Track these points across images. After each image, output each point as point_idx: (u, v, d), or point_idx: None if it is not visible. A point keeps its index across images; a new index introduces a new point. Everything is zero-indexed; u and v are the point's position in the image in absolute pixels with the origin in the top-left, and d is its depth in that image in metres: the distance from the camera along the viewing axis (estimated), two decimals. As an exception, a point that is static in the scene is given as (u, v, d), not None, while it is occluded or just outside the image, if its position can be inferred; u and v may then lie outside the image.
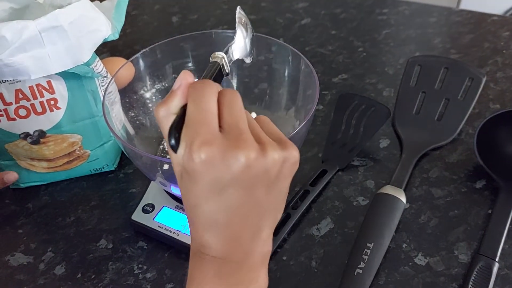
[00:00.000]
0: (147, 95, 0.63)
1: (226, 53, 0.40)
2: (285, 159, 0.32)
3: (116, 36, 0.56)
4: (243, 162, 0.29)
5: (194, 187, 0.31)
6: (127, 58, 0.60)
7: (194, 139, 0.29)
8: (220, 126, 0.31)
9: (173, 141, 0.30)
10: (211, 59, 0.39)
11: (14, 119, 0.56)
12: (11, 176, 0.59)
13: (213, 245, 0.33)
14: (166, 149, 0.45)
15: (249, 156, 0.29)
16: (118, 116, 0.57)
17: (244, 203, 0.31)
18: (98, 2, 0.58)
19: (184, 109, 0.32)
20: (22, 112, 0.55)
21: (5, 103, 0.54)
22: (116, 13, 0.57)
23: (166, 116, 0.32)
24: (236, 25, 0.44)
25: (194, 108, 0.31)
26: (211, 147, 0.29)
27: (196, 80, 0.34)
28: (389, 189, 0.56)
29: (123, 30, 0.56)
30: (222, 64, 0.38)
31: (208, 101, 0.31)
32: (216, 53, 0.39)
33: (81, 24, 0.51)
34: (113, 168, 0.65)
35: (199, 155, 0.29)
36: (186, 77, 0.32)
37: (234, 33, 0.44)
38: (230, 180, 0.30)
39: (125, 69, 0.58)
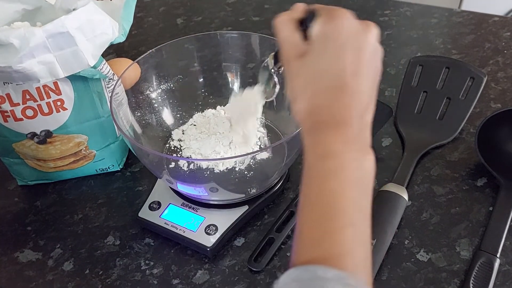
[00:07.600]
0: (153, 95, 0.64)
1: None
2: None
3: (123, 39, 0.55)
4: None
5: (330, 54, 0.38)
6: (133, 59, 0.61)
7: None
8: None
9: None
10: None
11: (21, 119, 0.57)
12: None
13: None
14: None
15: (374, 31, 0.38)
16: (125, 116, 0.58)
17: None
18: (108, 0, 0.58)
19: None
20: (29, 112, 0.56)
21: (13, 104, 0.55)
22: (125, 12, 0.57)
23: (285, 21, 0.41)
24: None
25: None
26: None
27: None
28: (391, 187, 0.57)
29: (129, 31, 0.57)
30: None
31: None
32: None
33: (87, 28, 0.52)
34: (119, 169, 0.66)
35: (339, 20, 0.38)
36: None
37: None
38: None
39: (131, 70, 0.59)
